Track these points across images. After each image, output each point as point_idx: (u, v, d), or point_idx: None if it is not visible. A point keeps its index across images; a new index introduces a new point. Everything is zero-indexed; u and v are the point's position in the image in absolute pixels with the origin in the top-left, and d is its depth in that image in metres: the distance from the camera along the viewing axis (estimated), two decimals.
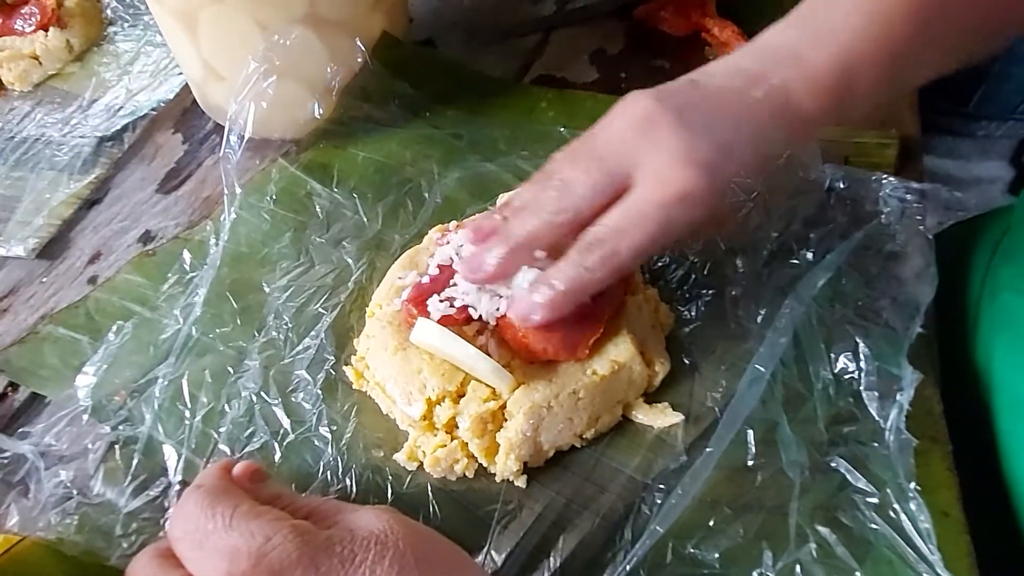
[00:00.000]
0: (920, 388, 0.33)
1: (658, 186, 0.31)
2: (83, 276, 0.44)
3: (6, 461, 0.33)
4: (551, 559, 0.30)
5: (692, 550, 0.29)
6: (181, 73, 0.56)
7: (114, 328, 0.39)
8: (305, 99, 0.48)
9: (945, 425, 0.34)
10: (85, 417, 0.35)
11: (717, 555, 0.29)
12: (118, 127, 0.52)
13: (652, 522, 0.29)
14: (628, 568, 0.29)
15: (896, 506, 0.30)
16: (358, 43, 0.48)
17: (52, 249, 0.45)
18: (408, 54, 0.52)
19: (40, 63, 0.58)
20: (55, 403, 0.37)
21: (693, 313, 0.39)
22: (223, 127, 0.52)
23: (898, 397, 0.33)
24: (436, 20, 0.61)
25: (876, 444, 0.32)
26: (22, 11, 0.58)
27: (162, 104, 0.55)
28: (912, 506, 0.30)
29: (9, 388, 0.38)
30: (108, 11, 0.64)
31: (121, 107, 0.54)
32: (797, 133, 0.34)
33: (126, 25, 0.63)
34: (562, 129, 0.50)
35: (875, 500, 0.30)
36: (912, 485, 0.30)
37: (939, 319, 0.39)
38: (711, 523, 0.30)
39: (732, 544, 0.29)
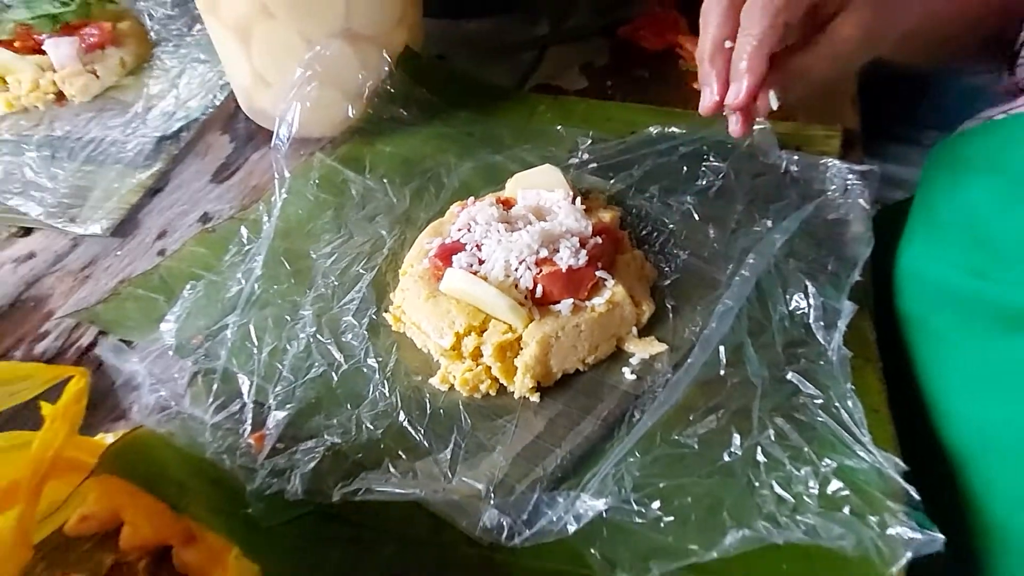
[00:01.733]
0: (856, 319, 0.41)
1: None
2: (152, 250, 0.51)
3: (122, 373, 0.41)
4: (560, 449, 0.37)
5: (675, 437, 0.37)
6: (224, 85, 0.64)
7: (188, 287, 0.46)
8: (340, 102, 0.56)
9: (876, 346, 0.42)
10: (169, 354, 0.42)
11: (695, 440, 0.37)
12: (175, 128, 0.60)
13: (644, 420, 0.37)
14: (624, 452, 0.36)
15: (837, 404, 0.38)
16: (385, 55, 0.56)
17: (124, 228, 0.53)
18: (426, 65, 0.60)
19: (98, 77, 0.66)
20: (139, 347, 0.44)
21: (672, 268, 0.47)
22: (264, 129, 0.60)
23: (839, 324, 0.41)
24: (445, 38, 0.69)
25: (822, 362, 0.40)
26: (83, 32, 0.66)
27: (210, 110, 0.63)
28: (849, 403, 0.37)
29: (99, 336, 0.45)
30: (152, 33, 0.73)
31: (175, 112, 0.62)
32: None
33: (170, 46, 0.72)
34: (559, 127, 0.59)
35: (820, 401, 0.38)
36: (849, 386, 0.38)
37: (874, 271, 0.47)
38: (691, 418, 0.38)
39: (707, 431, 0.37)
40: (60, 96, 0.64)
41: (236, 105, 0.63)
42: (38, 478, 0.31)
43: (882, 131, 0.80)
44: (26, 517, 0.31)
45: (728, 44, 0.39)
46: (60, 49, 0.64)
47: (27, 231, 0.53)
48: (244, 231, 0.50)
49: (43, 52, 0.64)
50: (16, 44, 0.65)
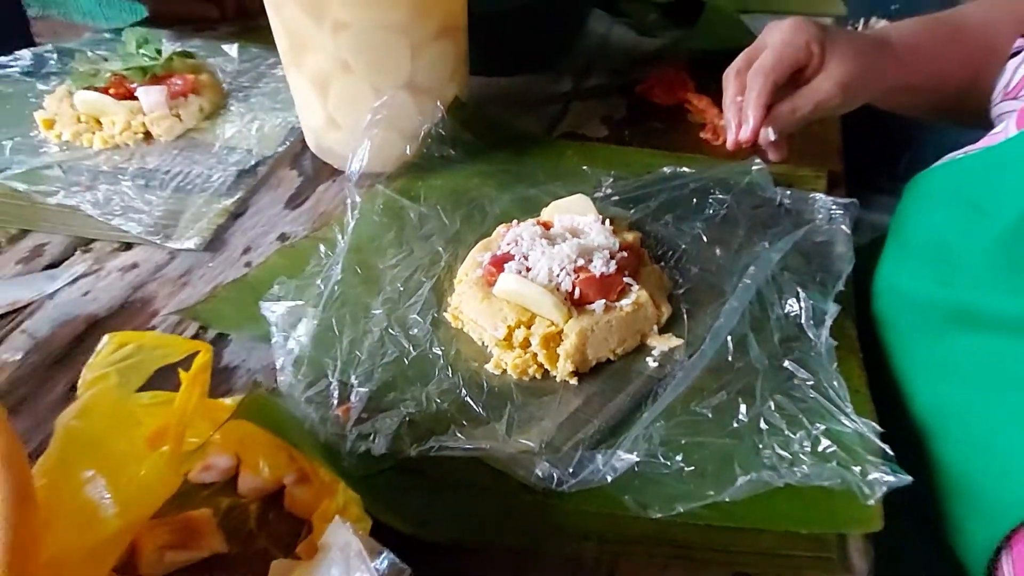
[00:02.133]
0: (840, 319, 0.50)
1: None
2: (240, 262, 0.60)
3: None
4: (597, 419, 0.45)
5: (693, 407, 0.44)
6: (292, 129, 0.74)
7: (276, 285, 0.54)
8: (400, 142, 0.65)
9: (857, 341, 0.50)
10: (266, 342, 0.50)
11: (709, 410, 0.44)
12: (252, 163, 0.69)
13: (666, 395, 0.45)
14: (651, 419, 0.44)
15: (825, 384, 0.46)
16: (439, 104, 0.66)
17: (213, 245, 0.61)
18: (472, 113, 0.70)
19: (181, 120, 0.75)
20: (235, 340, 0.52)
21: (685, 280, 0.55)
22: (328, 165, 0.69)
23: (826, 320, 0.49)
24: (487, 92, 0.80)
25: (813, 353, 0.48)
26: (170, 81, 0.76)
27: (280, 149, 0.72)
28: (835, 383, 0.45)
29: (200, 331, 0.53)
30: (225, 85, 0.83)
31: (251, 150, 0.71)
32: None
33: (240, 96, 0.82)
34: (584, 167, 0.68)
35: (812, 382, 0.46)
36: (835, 368, 0.46)
37: (856, 284, 0.55)
38: (704, 394, 0.45)
39: (718, 403, 0.45)
40: (148, 136, 0.74)
41: (303, 145, 0.72)
42: (181, 427, 0.39)
43: (866, 183, 0.90)
44: (175, 453, 0.38)
45: (739, 99, 0.59)
46: (150, 96, 0.73)
47: (128, 246, 0.61)
48: (322, 247, 0.58)
49: (135, 98, 0.74)
50: (111, 91, 0.75)
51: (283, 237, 0.62)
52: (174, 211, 0.64)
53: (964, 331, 0.47)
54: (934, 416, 0.46)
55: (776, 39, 0.60)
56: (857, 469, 0.40)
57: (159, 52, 0.77)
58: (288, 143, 0.74)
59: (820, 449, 0.42)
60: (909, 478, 0.39)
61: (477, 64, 0.72)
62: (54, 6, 1.40)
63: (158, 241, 0.61)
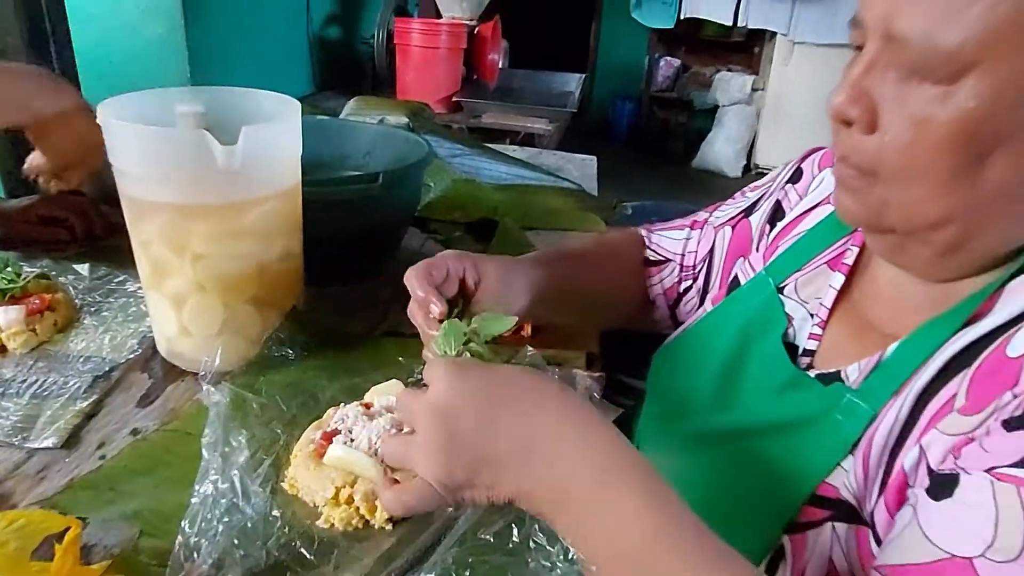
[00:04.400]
0: None
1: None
2: (95, 456, 0.68)
3: None
4: (405, 553, 0.58)
5: (479, 535, 0.58)
6: (143, 339, 0.85)
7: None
8: (245, 346, 0.79)
9: None
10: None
11: (491, 536, 0.59)
12: (106, 369, 0.79)
13: (458, 527, 0.59)
14: (447, 547, 0.57)
15: None
16: (278, 313, 0.81)
17: (69, 442, 0.69)
18: (306, 319, 0.86)
19: (36, 334, 0.84)
20: (93, 522, 0.60)
21: None
22: (177, 368, 0.81)
23: None
24: (319, 299, 0.96)
25: None
26: (27, 300, 0.85)
27: (131, 357, 0.83)
28: None
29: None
30: (77, 301, 0.93)
31: (105, 357, 0.81)
32: None
33: (92, 310, 0.92)
34: (400, 358, 0.85)
35: None
36: None
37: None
38: (487, 523, 0.60)
39: (498, 529, 0.59)
40: (3, 349, 0.82)
41: (153, 351, 0.83)
42: None
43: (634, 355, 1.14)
44: None
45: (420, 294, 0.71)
46: (9, 315, 0.82)
47: None
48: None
49: None
50: None
51: (135, 432, 0.72)
52: (31, 415, 0.72)
53: (698, 447, 0.67)
54: None
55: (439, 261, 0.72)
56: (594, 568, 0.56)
57: (18, 275, 0.87)
58: (140, 350, 0.84)
59: (570, 556, 0.57)
60: None
61: (311, 277, 0.89)
62: None
63: (16, 443, 0.68)
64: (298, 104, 0.80)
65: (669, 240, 0.90)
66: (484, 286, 0.72)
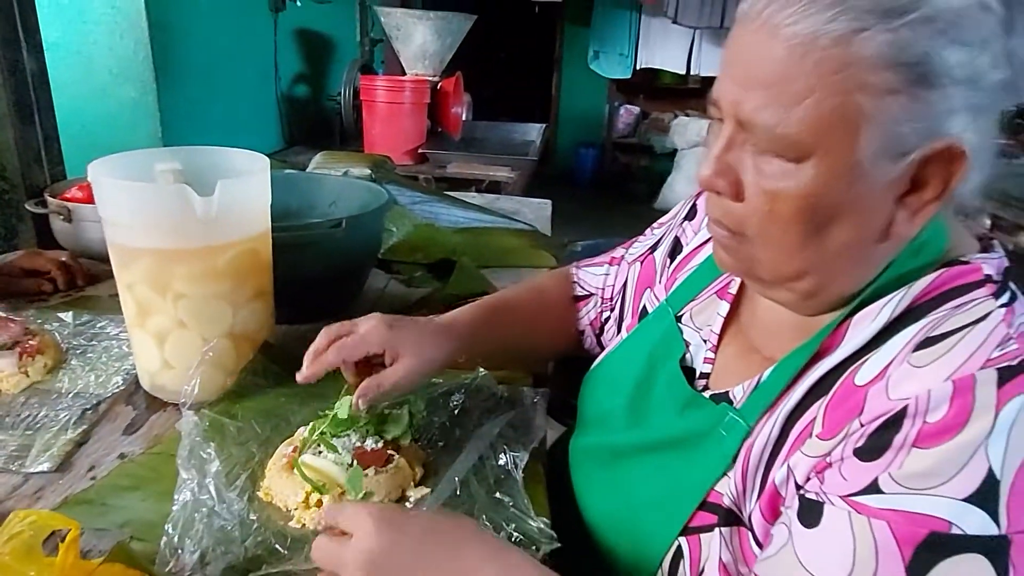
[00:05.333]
0: (532, 463, 0.76)
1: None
2: (86, 477, 0.75)
3: None
4: None
5: None
6: (127, 376, 0.93)
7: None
8: (222, 377, 0.87)
9: (544, 476, 0.76)
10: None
11: None
12: (94, 403, 0.86)
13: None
14: None
15: (519, 503, 0.70)
16: (252, 346, 0.90)
17: (62, 467, 0.76)
18: (278, 352, 0.94)
19: (28, 376, 0.91)
20: (87, 532, 0.67)
21: (435, 451, 0.80)
22: (159, 399, 0.89)
23: (519, 465, 0.75)
24: (287, 336, 1.04)
25: (514, 485, 0.73)
26: (24, 345, 0.93)
27: (115, 392, 0.90)
28: (525, 501, 0.70)
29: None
30: (63, 345, 1.01)
31: (92, 393, 0.89)
32: None
33: (78, 352, 1.00)
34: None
35: (511, 503, 0.71)
36: (524, 491, 0.71)
37: (553, 446, 0.83)
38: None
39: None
40: None
41: (136, 385, 0.91)
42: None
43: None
44: None
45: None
46: (3, 359, 0.90)
47: None
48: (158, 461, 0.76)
49: None
50: None
51: (123, 456, 0.79)
52: (26, 444, 0.79)
53: (615, 461, 0.76)
54: (599, 522, 0.74)
55: (360, 332, 0.79)
56: (533, 547, 0.64)
57: None
58: (124, 385, 0.92)
59: (514, 541, 0.66)
60: (559, 544, 0.64)
61: (283, 316, 0.97)
62: None
63: (13, 469, 0.75)
64: (267, 160, 0.90)
65: (592, 275, 0.99)
66: (400, 363, 0.78)
